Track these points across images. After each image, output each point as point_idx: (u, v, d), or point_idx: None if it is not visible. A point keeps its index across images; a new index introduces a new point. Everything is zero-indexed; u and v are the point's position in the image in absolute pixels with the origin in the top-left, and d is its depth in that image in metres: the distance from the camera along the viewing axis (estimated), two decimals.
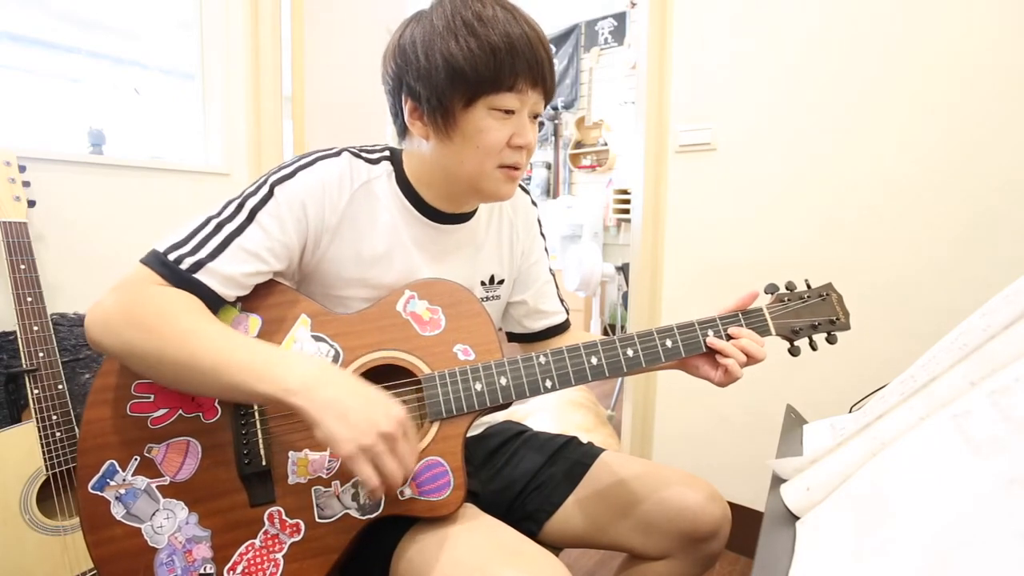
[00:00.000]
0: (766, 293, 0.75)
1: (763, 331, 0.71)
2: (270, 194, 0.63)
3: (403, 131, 0.71)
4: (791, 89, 1.29)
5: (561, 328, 0.88)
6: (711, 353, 0.69)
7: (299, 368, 0.53)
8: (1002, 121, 1.06)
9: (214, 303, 0.59)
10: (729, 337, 0.69)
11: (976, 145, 1.09)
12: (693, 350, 0.69)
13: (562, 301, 0.89)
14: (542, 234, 0.88)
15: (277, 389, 0.52)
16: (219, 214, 0.62)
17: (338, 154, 0.68)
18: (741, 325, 0.70)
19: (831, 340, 0.74)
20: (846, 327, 0.74)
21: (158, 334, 0.54)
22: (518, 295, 0.85)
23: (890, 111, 1.17)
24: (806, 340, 0.73)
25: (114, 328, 0.55)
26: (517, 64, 0.61)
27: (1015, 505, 0.29)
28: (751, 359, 0.68)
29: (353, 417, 0.51)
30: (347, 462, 0.51)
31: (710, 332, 0.69)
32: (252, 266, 0.61)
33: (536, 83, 0.64)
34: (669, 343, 0.68)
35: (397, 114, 0.70)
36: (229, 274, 0.59)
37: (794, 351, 0.73)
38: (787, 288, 0.75)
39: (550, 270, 0.89)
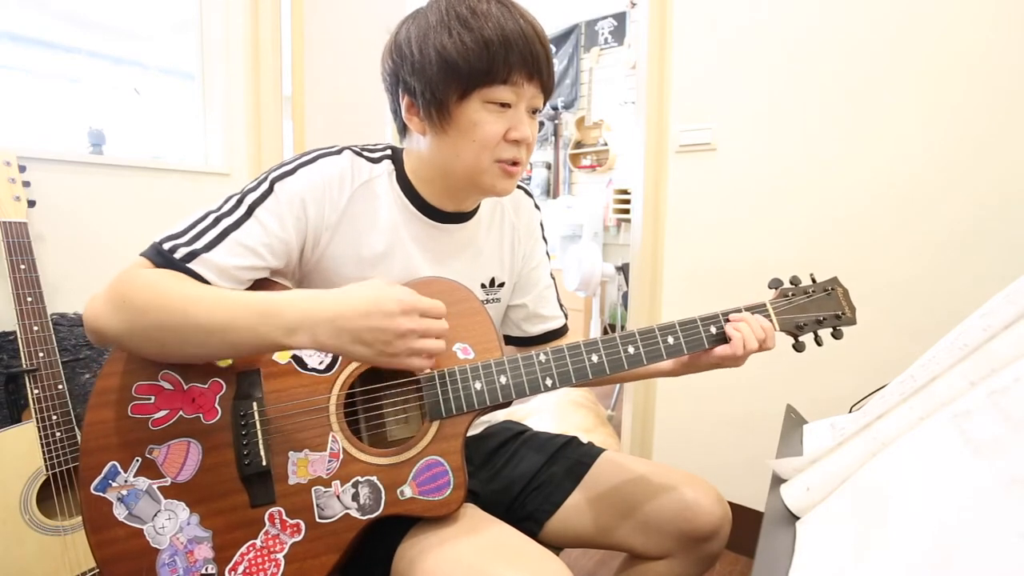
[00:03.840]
0: (770, 288, 0.74)
1: None
2: (270, 190, 0.63)
3: (403, 129, 0.71)
4: (791, 89, 1.29)
5: (559, 333, 0.88)
6: (715, 344, 0.69)
7: (294, 310, 0.54)
8: (1003, 121, 1.06)
9: None
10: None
11: (977, 145, 1.09)
12: (695, 346, 0.69)
13: (561, 306, 0.89)
14: (544, 238, 0.88)
15: (279, 337, 0.53)
16: (218, 208, 0.62)
17: (339, 152, 0.68)
18: None
19: (837, 335, 0.72)
20: (852, 322, 0.72)
21: (155, 306, 0.54)
22: (518, 299, 0.85)
23: (891, 110, 1.17)
24: (811, 336, 0.72)
25: (111, 314, 0.55)
26: (511, 57, 0.61)
27: (1015, 505, 0.29)
28: (762, 344, 0.68)
29: (367, 336, 0.53)
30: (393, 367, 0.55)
31: (712, 328, 0.69)
32: (247, 260, 0.61)
33: (532, 76, 0.64)
34: (671, 340, 0.68)
35: (396, 111, 0.70)
36: (223, 265, 0.59)
37: (798, 347, 0.72)
38: (791, 283, 0.74)
39: (551, 274, 0.89)
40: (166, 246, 0.59)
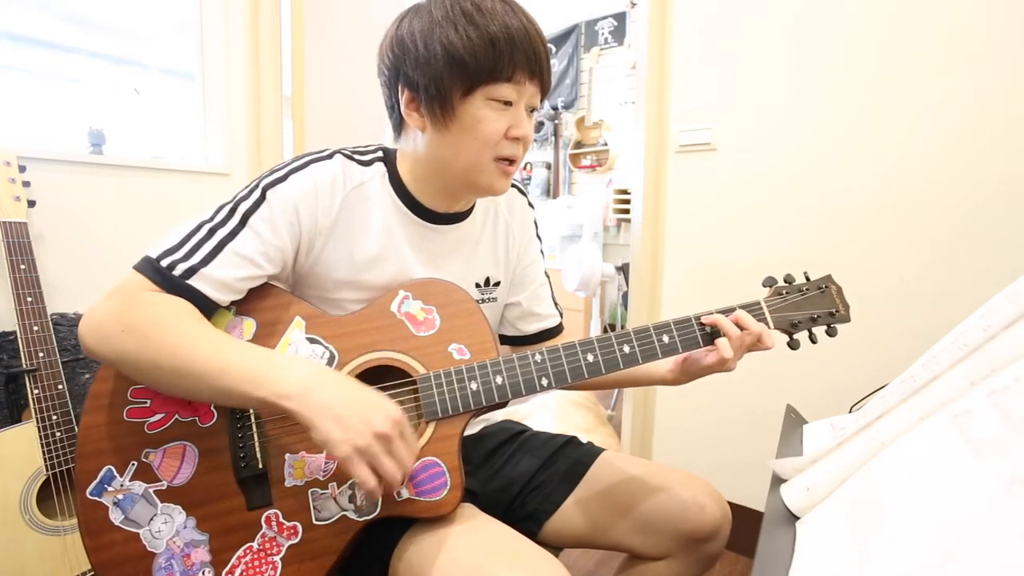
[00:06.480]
0: (764, 286, 0.74)
1: None
2: (262, 198, 0.63)
3: (399, 125, 0.71)
4: (791, 89, 1.29)
5: (554, 332, 0.87)
6: (708, 345, 0.69)
7: (294, 372, 0.54)
8: (1003, 121, 1.06)
9: (208, 308, 0.59)
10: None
11: (976, 145, 1.09)
12: (690, 345, 0.69)
13: (556, 305, 0.89)
14: (538, 236, 0.88)
15: (271, 394, 0.52)
16: (211, 219, 0.62)
17: (330, 156, 0.68)
18: None
19: (831, 333, 0.73)
20: (846, 319, 0.73)
21: (154, 341, 0.54)
22: (513, 297, 0.85)
23: (891, 110, 1.17)
24: (805, 333, 0.73)
25: (109, 335, 0.55)
26: (515, 55, 0.62)
27: (1016, 505, 0.29)
28: (756, 341, 0.68)
29: (348, 419, 0.51)
30: (343, 464, 0.51)
31: (708, 326, 0.69)
32: (245, 271, 0.61)
33: (534, 75, 0.64)
34: (666, 338, 0.68)
35: (393, 107, 0.69)
36: (222, 279, 0.59)
37: (793, 344, 0.72)
38: (785, 281, 0.74)
39: (546, 273, 0.89)
40: (164, 263, 0.58)
